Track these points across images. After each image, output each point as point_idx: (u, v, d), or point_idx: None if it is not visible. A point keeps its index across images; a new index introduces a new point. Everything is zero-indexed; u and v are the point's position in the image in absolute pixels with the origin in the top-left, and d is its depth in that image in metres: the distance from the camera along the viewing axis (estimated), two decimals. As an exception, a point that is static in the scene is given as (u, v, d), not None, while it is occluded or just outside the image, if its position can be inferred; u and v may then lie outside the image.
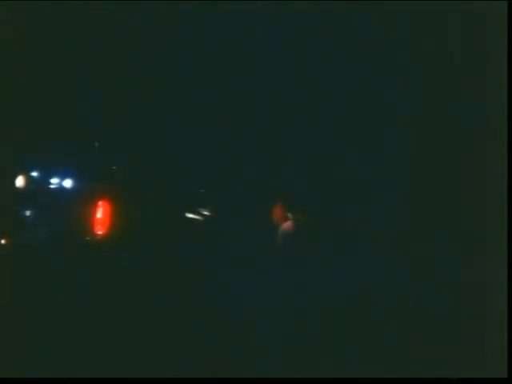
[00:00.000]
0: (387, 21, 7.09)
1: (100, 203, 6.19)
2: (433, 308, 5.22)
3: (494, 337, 4.38)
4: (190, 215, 7.55)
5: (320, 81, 7.88)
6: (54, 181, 6.51)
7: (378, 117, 7.41)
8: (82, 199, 6.27)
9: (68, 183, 6.49)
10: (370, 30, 7.31)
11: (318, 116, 7.85)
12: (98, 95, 8.02)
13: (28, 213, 6.37)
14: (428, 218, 6.66)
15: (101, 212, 6.18)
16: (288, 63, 7.90)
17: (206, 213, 7.77)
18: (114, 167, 6.96)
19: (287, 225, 6.58)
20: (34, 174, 6.62)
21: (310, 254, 6.47)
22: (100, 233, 6.19)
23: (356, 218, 7.07)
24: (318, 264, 6.38)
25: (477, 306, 5.05)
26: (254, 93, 8.12)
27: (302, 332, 4.90)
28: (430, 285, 5.70)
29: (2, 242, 6.21)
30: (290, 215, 6.53)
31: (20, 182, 6.48)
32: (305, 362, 4.34)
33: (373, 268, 6.13)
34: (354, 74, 7.55)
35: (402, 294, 5.58)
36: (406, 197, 6.97)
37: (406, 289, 5.68)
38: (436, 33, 6.86)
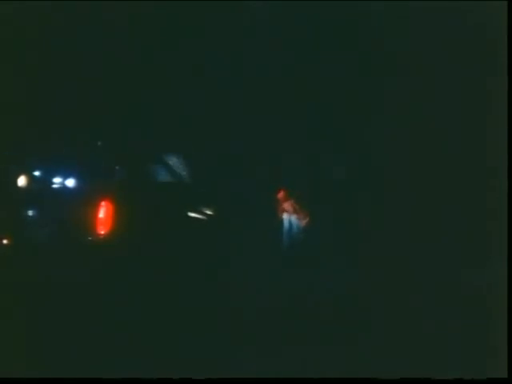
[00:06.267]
0: (387, 20, 7.09)
1: (102, 203, 6.18)
2: (433, 308, 5.22)
3: (495, 337, 4.37)
4: (193, 214, 7.54)
5: (321, 80, 7.89)
6: (57, 180, 6.50)
7: (379, 116, 7.42)
8: (84, 199, 6.26)
9: (70, 183, 6.48)
10: (369, 30, 7.31)
11: (317, 115, 7.86)
12: (100, 94, 8.04)
13: (30, 212, 6.36)
14: (428, 218, 6.66)
15: (103, 212, 6.17)
16: (286, 62, 7.91)
17: (208, 212, 7.77)
18: (117, 167, 6.95)
19: (287, 204, 6.73)
20: (37, 173, 6.62)
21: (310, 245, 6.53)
22: (102, 232, 6.19)
23: (356, 218, 7.09)
24: (318, 262, 6.41)
25: (477, 306, 5.06)
26: (254, 92, 8.12)
27: (303, 332, 4.90)
28: (430, 285, 5.70)
29: (5, 241, 6.22)
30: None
31: (22, 181, 6.48)
32: (305, 362, 4.34)
33: (372, 267, 6.15)
34: (354, 73, 7.56)
35: (402, 293, 5.58)
36: (406, 196, 6.98)
37: (406, 288, 5.68)
38: (436, 32, 6.86)
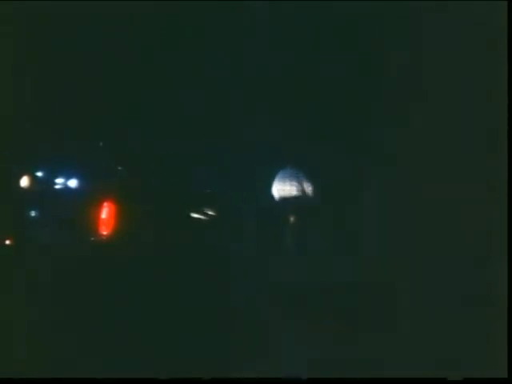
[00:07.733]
0: (386, 20, 7.09)
1: (105, 203, 6.18)
2: (433, 308, 5.22)
3: (495, 337, 4.38)
4: (196, 215, 7.55)
5: (321, 80, 7.89)
6: (59, 181, 6.50)
7: (379, 116, 7.41)
8: (87, 199, 6.26)
9: (73, 183, 6.48)
10: (369, 30, 7.32)
11: (317, 115, 7.87)
12: (100, 94, 8.04)
13: (31, 213, 6.37)
14: (428, 218, 6.66)
15: (106, 212, 6.18)
16: (286, 62, 7.92)
17: (210, 212, 7.78)
18: (120, 167, 6.95)
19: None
20: (38, 173, 6.62)
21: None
22: (105, 233, 6.19)
23: (356, 218, 7.09)
24: (318, 262, 6.41)
25: (477, 306, 5.06)
26: (254, 92, 8.13)
27: (302, 332, 4.91)
28: (430, 285, 5.70)
29: (7, 242, 6.22)
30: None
31: (23, 181, 6.48)
32: (305, 362, 4.35)
33: (373, 268, 6.14)
34: (354, 73, 7.56)
35: (402, 293, 5.58)
36: (406, 196, 6.98)
37: (405, 288, 5.68)
38: (436, 33, 6.86)
